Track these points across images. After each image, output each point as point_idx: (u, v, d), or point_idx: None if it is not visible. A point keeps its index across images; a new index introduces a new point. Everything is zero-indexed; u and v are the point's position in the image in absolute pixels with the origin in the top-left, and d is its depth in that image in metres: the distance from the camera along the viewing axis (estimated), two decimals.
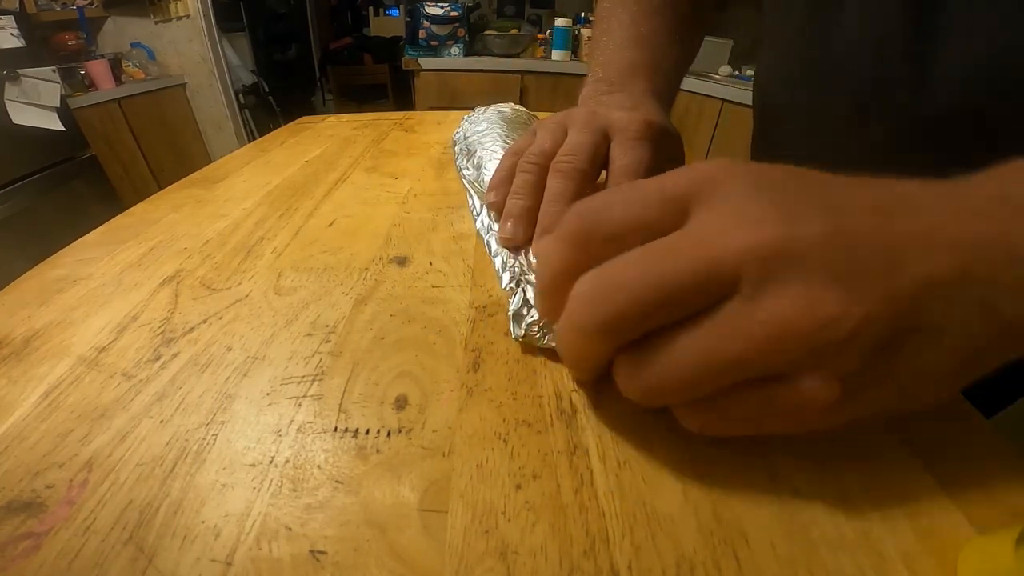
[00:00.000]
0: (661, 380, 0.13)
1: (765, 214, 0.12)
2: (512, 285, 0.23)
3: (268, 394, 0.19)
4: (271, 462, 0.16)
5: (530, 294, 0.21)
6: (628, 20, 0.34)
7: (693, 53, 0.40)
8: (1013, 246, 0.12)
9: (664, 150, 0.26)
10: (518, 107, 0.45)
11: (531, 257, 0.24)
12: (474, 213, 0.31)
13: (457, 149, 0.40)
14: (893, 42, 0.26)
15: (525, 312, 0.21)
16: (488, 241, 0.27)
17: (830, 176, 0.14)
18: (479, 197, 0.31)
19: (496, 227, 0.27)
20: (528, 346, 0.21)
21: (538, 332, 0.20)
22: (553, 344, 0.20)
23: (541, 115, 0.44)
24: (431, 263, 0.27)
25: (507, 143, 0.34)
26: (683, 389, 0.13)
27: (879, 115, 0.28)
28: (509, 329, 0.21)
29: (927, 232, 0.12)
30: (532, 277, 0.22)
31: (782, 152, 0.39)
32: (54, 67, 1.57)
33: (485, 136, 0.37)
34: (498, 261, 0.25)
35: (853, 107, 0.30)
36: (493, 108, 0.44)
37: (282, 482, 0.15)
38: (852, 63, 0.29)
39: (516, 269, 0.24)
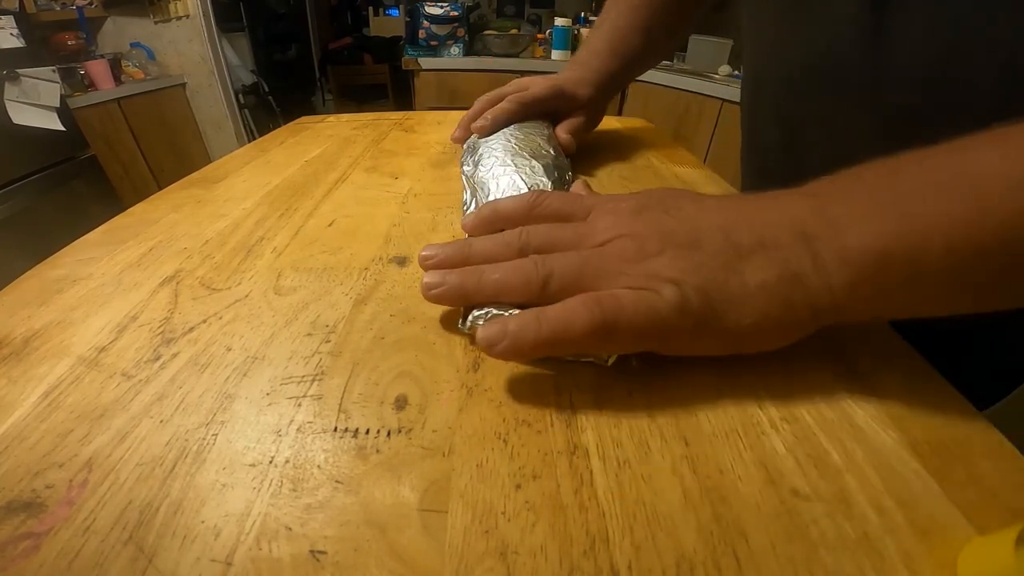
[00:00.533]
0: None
1: (620, 220, 0.21)
2: None
3: (268, 394, 0.19)
4: (271, 462, 0.16)
5: None
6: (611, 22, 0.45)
7: (665, 45, 0.50)
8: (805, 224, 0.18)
9: (554, 100, 0.41)
10: None
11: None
12: (464, 209, 0.31)
13: (464, 146, 0.40)
14: (851, 43, 0.27)
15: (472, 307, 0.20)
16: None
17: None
18: (471, 191, 0.31)
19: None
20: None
21: (483, 324, 0.19)
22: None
23: None
24: None
25: (510, 141, 0.34)
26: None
27: (873, 111, 0.28)
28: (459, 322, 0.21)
29: (724, 219, 0.19)
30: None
31: (771, 156, 0.39)
32: (54, 67, 1.57)
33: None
34: None
35: (845, 105, 0.30)
36: None
37: (282, 482, 0.15)
38: (833, 61, 0.29)
39: None
